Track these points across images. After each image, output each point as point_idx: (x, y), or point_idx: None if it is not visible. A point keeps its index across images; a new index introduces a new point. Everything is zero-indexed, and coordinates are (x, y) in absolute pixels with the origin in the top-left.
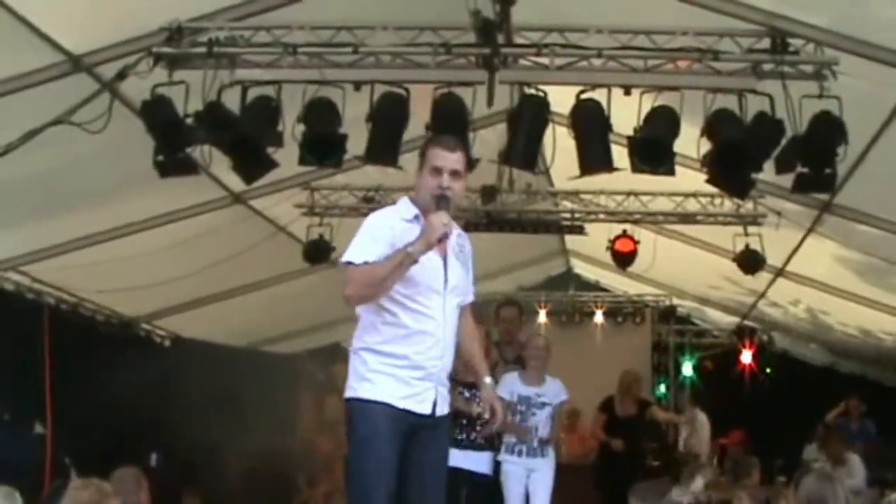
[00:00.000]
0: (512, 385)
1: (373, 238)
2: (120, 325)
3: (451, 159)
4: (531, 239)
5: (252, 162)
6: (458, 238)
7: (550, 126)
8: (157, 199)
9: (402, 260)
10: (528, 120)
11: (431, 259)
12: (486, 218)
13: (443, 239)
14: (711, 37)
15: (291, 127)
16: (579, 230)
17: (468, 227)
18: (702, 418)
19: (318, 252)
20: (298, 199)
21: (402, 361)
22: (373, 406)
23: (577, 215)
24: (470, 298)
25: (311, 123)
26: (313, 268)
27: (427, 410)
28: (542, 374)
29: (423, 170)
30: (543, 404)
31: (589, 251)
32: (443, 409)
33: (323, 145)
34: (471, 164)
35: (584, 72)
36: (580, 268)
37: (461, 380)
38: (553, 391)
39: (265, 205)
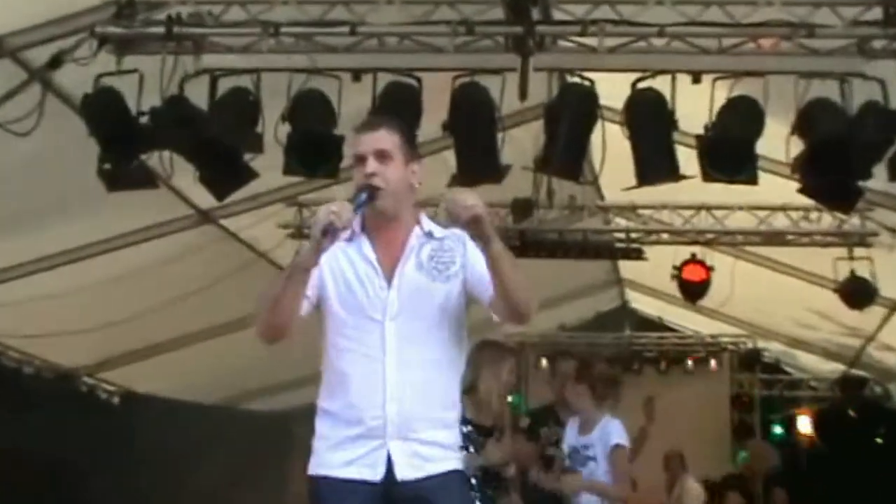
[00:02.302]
0: (569, 434)
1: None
2: (55, 378)
3: (372, 139)
4: (575, 266)
5: (224, 172)
6: (433, 241)
7: (599, 124)
8: (103, 220)
9: (290, 271)
10: (571, 116)
11: (365, 275)
12: (518, 240)
13: (329, 233)
14: (805, 6)
15: (274, 127)
16: (637, 254)
17: None
18: (691, 487)
19: None
20: (283, 218)
21: (332, 420)
22: (317, 483)
23: (633, 235)
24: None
25: (299, 123)
26: None
27: (378, 477)
28: (594, 417)
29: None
30: (587, 459)
31: (649, 280)
32: (412, 472)
33: (314, 150)
34: (411, 143)
35: (642, 55)
36: (638, 302)
37: (480, 424)
38: (601, 437)
39: (241, 225)
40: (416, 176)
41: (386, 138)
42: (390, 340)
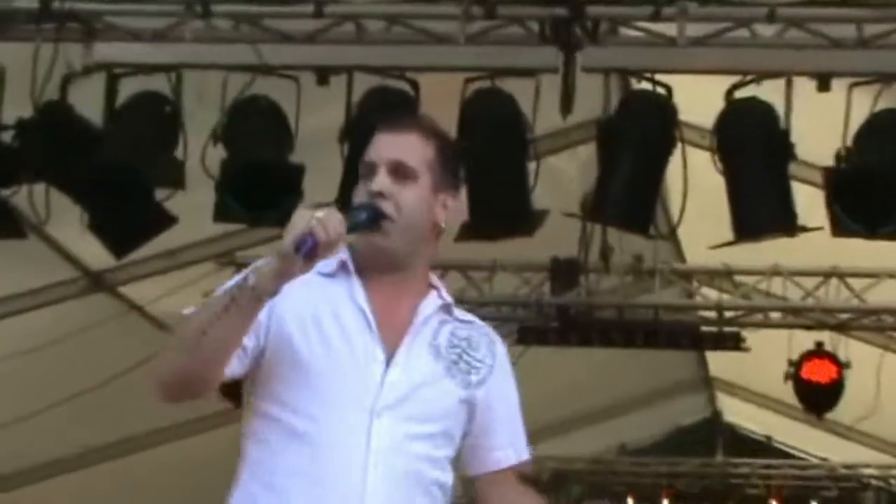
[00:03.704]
0: None
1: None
2: None
3: (392, 144)
4: (642, 359)
5: (126, 216)
6: (456, 323)
7: (678, 150)
8: None
9: (233, 296)
10: (638, 138)
11: (355, 330)
12: (558, 319)
13: (307, 249)
14: None
15: (201, 152)
16: (734, 343)
17: (526, 338)
18: None
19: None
20: (213, 285)
21: None
22: None
23: (728, 315)
24: (517, 456)
25: (239, 145)
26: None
27: None
28: None
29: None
30: None
31: (752, 382)
32: None
33: (259, 186)
34: (451, 165)
35: (742, 49)
36: (735, 412)
37: None
38: None
39: (150, 294)
40: (447, 214)
41: (413, 147)
42: (379, 444)
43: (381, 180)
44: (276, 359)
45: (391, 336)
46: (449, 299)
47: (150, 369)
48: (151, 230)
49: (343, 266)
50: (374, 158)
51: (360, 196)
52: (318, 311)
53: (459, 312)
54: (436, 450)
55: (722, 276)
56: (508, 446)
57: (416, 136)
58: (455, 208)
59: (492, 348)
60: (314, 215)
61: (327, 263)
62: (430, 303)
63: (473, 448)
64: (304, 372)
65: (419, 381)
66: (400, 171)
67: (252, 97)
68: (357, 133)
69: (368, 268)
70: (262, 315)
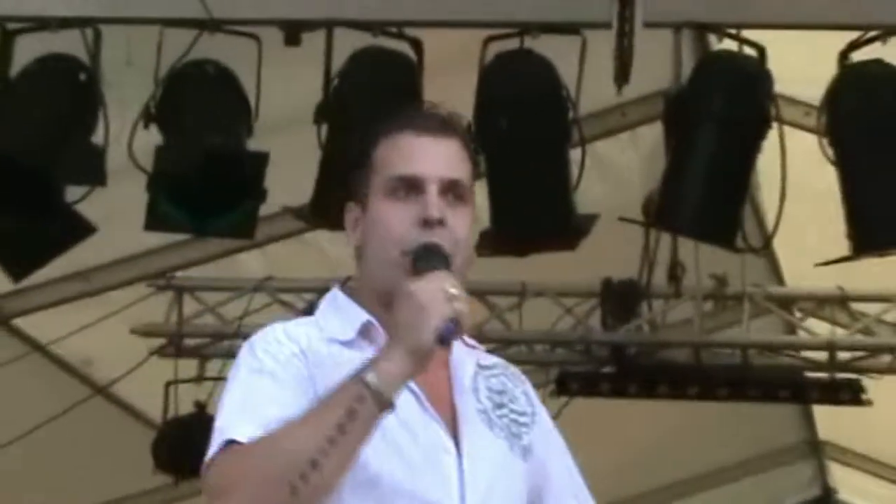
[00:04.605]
0: None
1: (272, 379)
2: None
3: (439, 153)
4: (727, 417)
5: (27, 225)
6: (487, 373)
7: (774, 131)
8: None
9: (353, 406)
10: (719, 118)
11: (412, 419)
12: (612, 363)
13: (451, 339)
14: None
15: (129, 136)
16: (851, 394)
17: (569, 387)
18: None
19: (193, 447)
20: (144, 317)
21: None
22: None
23: (843, 355)
24: None
25: (179, 128)
26: (182, 488)
27: None
28: None
29: (372, 204)
30: None
31: (875, 448)
32: None
33: (206, 182)
34: (476, 165)
35: None
36: (853, 489)
37: None
38: None
39: (57, 329)
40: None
41: (462, 159)
42: None
43: (436, 202)
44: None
45: (440, 408)
46: (471, 340)
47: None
48: (60, 243)
49: (366, 330)
50: (420, 172)
51: (402, 226)
52: None
53: (483, 356)
54: None
55: (835, 303)
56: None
57: (459, 143)
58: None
59: (525, 392)
60: (449, 291)
61: (343, 327)
62: (458, 350)
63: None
64: (376, 492)
65: (494, 471)
66: (455, 193)
67: (197, 62)
68: (339, 112)
69: (382, 321)
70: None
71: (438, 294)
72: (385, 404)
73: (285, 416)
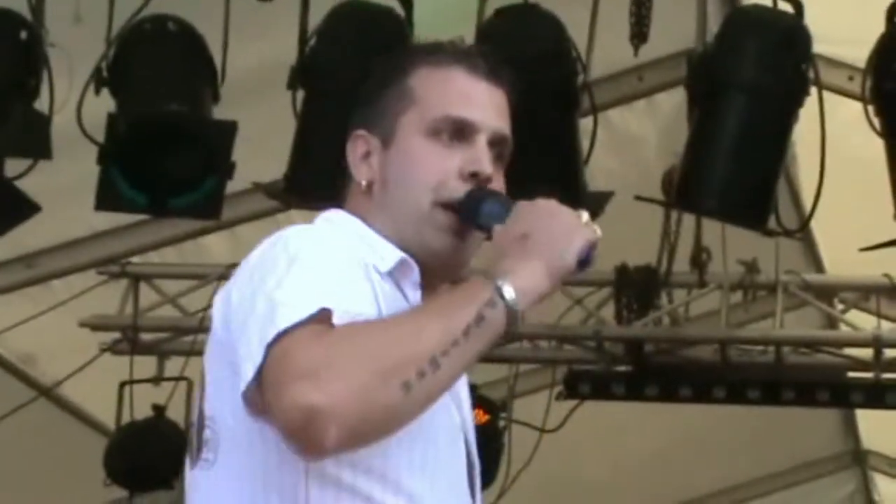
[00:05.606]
0: None
1: (345, 268)
2: None
3: (494, 103)
4: (759, 423)
5: None
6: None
7: (812, 97)
8: None
9: (484, 311)
10: (749, 81)
11: (451, 418)
12: (628, 361)
13: (586, 264)
14: None
15: (78, 103)
16: None
17: (578, 388)
18: None
19: (150, 456)
20: (96, 305)
21: None
22: None
23: (889, 353)
24: None
25: (134, 93)
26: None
27: None
28: None
29: (404, 140)
30: None
31: None
32: None
33: (165, 155)
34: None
35: None
36: None
37: None
38: None
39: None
40: None
41: (508, 114)
42: None
43: (485, 159)
44: None
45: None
46: None
47: (307, 402)
48: (1, 224)
49: (402, 268)
50: (475, 119)
51: (451, 170)
52: None
53: None
54: None
55: (881, 293)
56: None
57: (506, 97)
58: None
59: None
60: (584, 219)
61: (384, 257)
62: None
63: None
64: (420, 446)
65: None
66: (499, 151)
67: (155, 18)
68: (317, 76)
69: (427, 275)
70: None
71: (574, 218)
72: (513, 318)
73: (367, 311)
